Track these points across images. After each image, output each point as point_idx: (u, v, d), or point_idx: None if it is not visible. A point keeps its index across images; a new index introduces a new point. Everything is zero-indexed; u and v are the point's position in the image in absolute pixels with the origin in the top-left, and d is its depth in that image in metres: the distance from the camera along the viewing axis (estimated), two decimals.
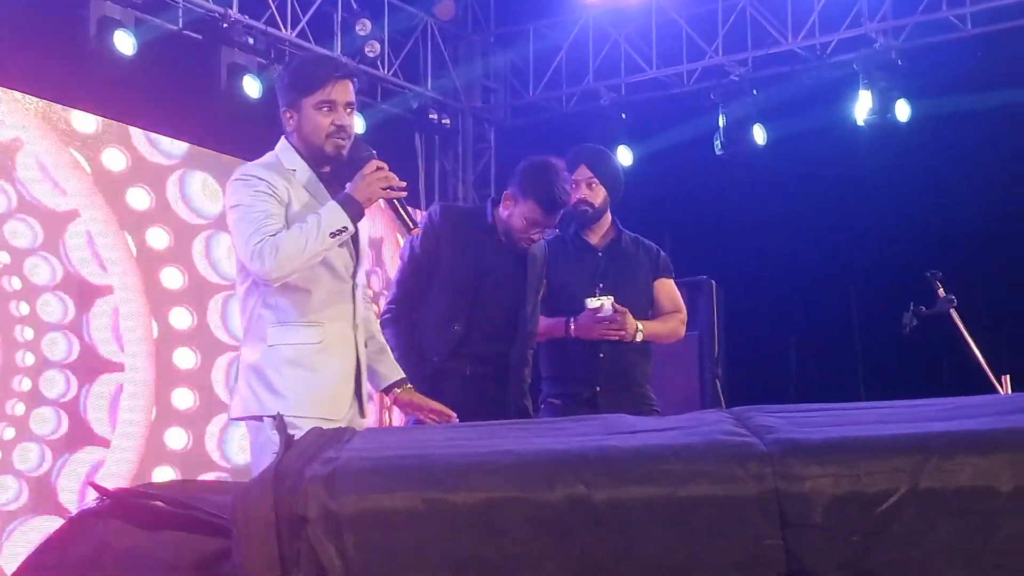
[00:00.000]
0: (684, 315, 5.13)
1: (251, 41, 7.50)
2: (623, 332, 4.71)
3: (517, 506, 1.44)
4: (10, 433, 5.86)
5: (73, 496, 5.98)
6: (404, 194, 3.68)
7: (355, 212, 3.55)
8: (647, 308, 4.99)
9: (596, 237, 4.97)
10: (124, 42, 6.74)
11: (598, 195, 4.88)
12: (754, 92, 8.53)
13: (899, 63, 8.07)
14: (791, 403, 2.07)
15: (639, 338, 4.77)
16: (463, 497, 1.44)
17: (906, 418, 1.76)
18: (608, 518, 1.45)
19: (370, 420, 3.86)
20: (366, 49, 8.32)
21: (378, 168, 3.59)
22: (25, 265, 6.05)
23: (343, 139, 3.68)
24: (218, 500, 1.74)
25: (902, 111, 8.13)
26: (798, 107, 8.35)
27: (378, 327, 4.10)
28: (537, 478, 1.47)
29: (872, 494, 1.49)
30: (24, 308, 5.99)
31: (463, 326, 4.51)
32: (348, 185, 3.59)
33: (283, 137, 3.75)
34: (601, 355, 4.74)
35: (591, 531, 1.45)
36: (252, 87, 7.43)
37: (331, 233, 3.50)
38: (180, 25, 7.34)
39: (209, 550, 1.65)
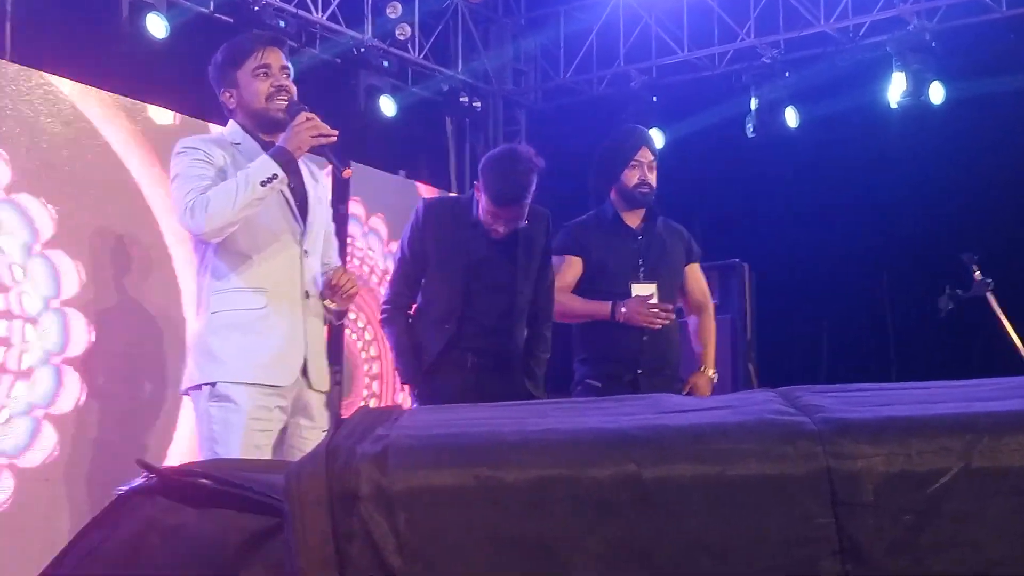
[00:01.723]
0: (712, 307, 5.19)
1: (282, 24, 7.50)
2: (669, 320, 4.77)
3: (566, 483, 1.45)
4: None
5: None
6: (333, 140, 3.67)
7: (285, 161, 3.58)
8: (679, 292, 5.02)
9: (635, 219, 4.98)
10: (156, 25, 6.76)
11: (654, 178, 4.91)
12: (786, 74, 8.48)
13: (933, 45, 8.01)
14: (824, 385, 2.06)
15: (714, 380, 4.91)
16: (513, 475, 1.45)
17: (954, 398, 1.75)
18: (657, 496, 1.46)
19: (318, 401, 3.73)
20: (397, 32, 8.31)
21: (308, 119, 3.62)
22: None
23: (284, 99, 3.73)
24: (264, 478, 1.75)
25: (936, 93, 8.07)
26: (831, 89, 8.30)
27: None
28: (587, 456, 1.47)
29: (924, 473, 1.49)
30: None
31: (456, 324, 4.53)
32: (285, 137, 3.62)
33: (229, 120, 3.83)
34: (644, 338, 4.75)
35: (640, 509, 1.45)
36: None
37: (261, 182, 3.53)
38: (211, 8, 7.36)
39: (256, 528, 1.66)
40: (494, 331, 4.60)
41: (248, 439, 3.54)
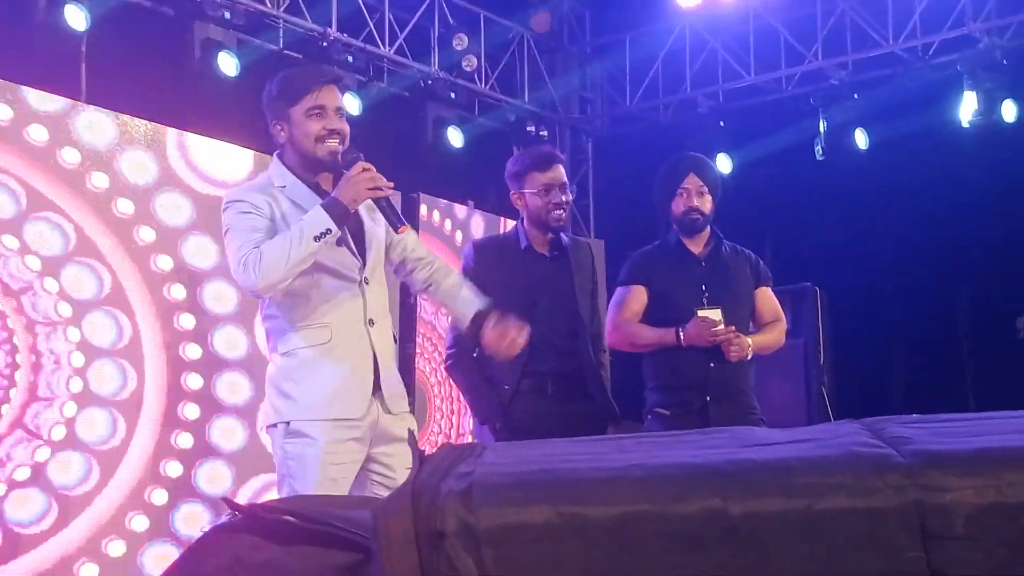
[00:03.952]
0: (784, 323, 5.12)
1: (350, 59, 7.60)
2: (738, 348, 4.70)
3: (652, 519, 1.44)
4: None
5: None
6: (390, 193, 3.63)
7: (339, 214, 3.52)
8: (749, 317, 4.98)
9: (698, 246, 4.97)
10: (227, 64, 6.86)
11: (707, 203, 4.89)
12: (855, 96, 8.43)
13: (1004, 63, 7.91)
14: (898, 410, 2.04)
15: (750, 355, 4.77)
16: (599, 511, 1.44)
17: None
18: (744, 531, 1.44)
19: (401, 421, 3.73)
20: (463, 64, 8.38)
21: (364, 170, 3.56)
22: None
23: (336, 141, 3.67)
24: (348, 515, 1.76)
25: (1008, 112, 7.98)
26: (900, 110, 8.23)
27: (443, 274, 3.97)
28: (672, 491, 1.46)
29: (1016, 505, 1.46)
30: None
31: (526, 349, 4.57)
32: (339, 189, 3.56)
33: (274, 155, 3.78)
34: (712, 365, 4.73)
35: (727, 545, 1.44)
36: (352, 104, 7.51)
37: (315, 237, 3.48)
38: (281, 45, 7.47)
39: (341, 564, 1.67)
40: (565, 351, 4.66)
41: (323, 473, 3.55)
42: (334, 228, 3.51)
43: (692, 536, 1.44)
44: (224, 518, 1.88)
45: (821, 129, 8.47)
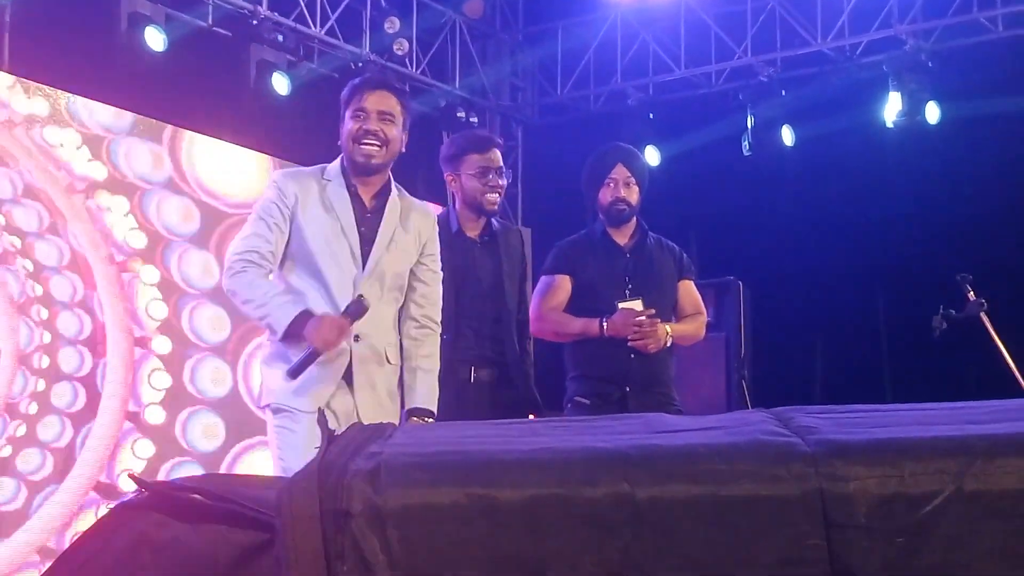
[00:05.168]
0: (705, 317, 5.15)
1: (280, 38, 7.53)
2: (653, 340, 4.73)
3: (560, 503, 1.45)
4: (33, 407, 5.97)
5: None
6: (318, 358, 3.66)
7: (293, 333, 3.60)
8: (671, 309, 5.00)
9: (624, 237, 4.98)
10: (155, 38, 6.77)
11: (634, 194, 4.90)
12: (783, 93, 8.50)
13: (929, 65, 8.03)
14: (817, 404, 2.07)
15: (668, 342, 4.79)
16: (506, 493, 1.45)
17: (948, 420, 1.75)
18: (651, 516, 1.46)
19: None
20: (395, 47, 8.32)
21: (341, 330, 3.61)
22: (35, 249, 6.09)
23: (370, 143, 3.77)
24: (256, 494, 1.75)
25: (932, 113, 8.09)
26: (827, 108, 8.31)
27: (422, 350, 4.01)
28: (580, 475, 1.47)
29: (916, 495, 1.49)
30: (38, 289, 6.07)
31: (452, 334, 4.55)
32: (311, 320, 3.60)
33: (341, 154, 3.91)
34: (632, 356, 4.75)
35: (633, 529, 1.45)
36: (281, 84, 7.46)
37: (265, 323, 3.69)
38: (210, 22, 7.37)
39: (248, 543, 1.66)
40: (490, 338, 4.65)
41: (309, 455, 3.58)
42: (279, 335, 3.63)
43: (599, 520, 1.45)
44: (131, 495, 1.86)
45: (749, 124, 8.54)
